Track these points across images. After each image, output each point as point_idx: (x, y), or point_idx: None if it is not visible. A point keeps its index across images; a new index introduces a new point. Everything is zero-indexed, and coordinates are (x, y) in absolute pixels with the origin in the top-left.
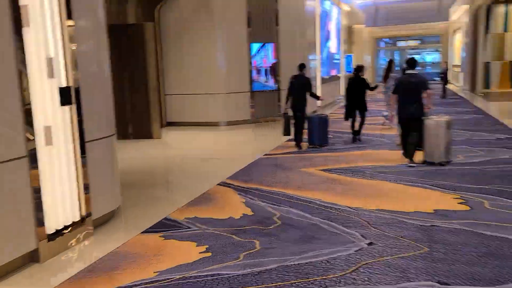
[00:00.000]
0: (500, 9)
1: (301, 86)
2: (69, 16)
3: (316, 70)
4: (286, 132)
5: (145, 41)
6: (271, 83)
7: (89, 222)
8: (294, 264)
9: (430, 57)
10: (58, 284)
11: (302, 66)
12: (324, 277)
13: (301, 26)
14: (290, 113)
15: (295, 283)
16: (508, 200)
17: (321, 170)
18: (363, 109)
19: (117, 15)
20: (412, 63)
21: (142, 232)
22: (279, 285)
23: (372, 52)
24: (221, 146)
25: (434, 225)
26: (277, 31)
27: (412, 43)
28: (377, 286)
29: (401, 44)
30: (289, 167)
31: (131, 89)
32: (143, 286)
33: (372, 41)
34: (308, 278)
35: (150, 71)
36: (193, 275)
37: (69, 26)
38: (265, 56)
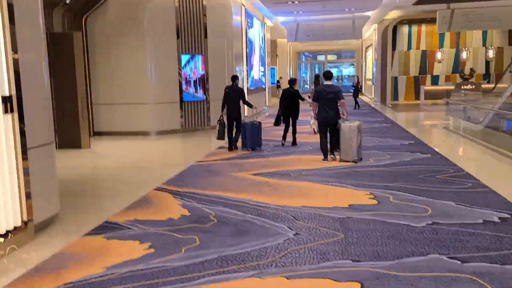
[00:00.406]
0: (405, 29)
1: (235, 95)
2: (11, 25)
3: (243, 81)
4: (220, 137)
5: (73, 50)
6: (200, 93)
7: (31, 227)
8: (231, 254)
9: (346, 70)
10: (6, 284)
11: (234, 78)
12: (258, 262)
13: (229, 39)
14: (226, 119)
15: (233, 268)
16: (408, 194)
17: (252, 174)
18: (295, 118)
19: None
20: (328, 75)
21: (84, 235)
22: (219, 271)
23: (294, 65)
24: (153, 154)
25: (349, 217)
26: (205, 43)
27: (330, 57)
28: (302, 266)
29: (321, 58)
30: (221, 173)
31: (59, 99)
32: (92, 280)
33: (294, 55)
34: (244, 264)
35: (79, 81)
36: (139, 268)
37: (11, 35)
38: (194, 68)
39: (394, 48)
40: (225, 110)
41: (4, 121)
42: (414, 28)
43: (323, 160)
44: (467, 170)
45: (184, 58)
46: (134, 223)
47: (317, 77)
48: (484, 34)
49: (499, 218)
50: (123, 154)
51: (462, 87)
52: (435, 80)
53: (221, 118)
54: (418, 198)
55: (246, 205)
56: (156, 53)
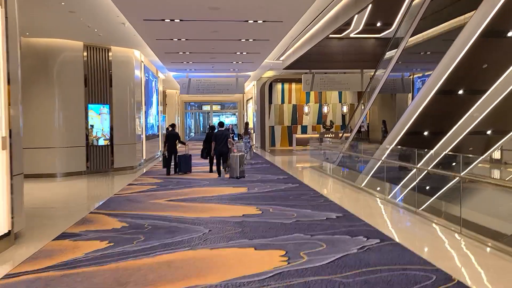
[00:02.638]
0: (279, 86)
1: (173, 137)
2: None
3: (142, 129)
4: (165, 166)
5: None
6: (106, 138)
7: (12, 235)
8: (169, 242)
9: (228, 119)
10: (15, 266)
11: (173, 125)
12: (188, 244)
13: (131, 89)
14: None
15: (172, 248)
16: (281, 207)
17: (166, 200)
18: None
19: None
20: (221, 124)
21: (53, 239)
22: (165, 249)
23: (181, 114)
24: (70, 192)
25: (243, 220)
26: (111, 92)
27: (215, 107)
28: (218, 244)
29: (206, 108)
30: (139, 201)
31: None
32: (78, 259)
33: (182, 104)
34: (180, 245)
35: None
36: (108, 252)
37: None
38: (101, 113)
39: (270, 101)
40: (166, 148)
41: (1, 155)
42: (286, 86)
43: (219, 177)
44: (321, 192)
45: (91, 106)
46: (87, 232)
47: (247, 124)
48: (340, 93)
49: (336, 216)
50: (37, 193)
51: (325, 136)
52: (304, 130)
53: (164, 153)
54: (288, 209)
55: (169, 218)
56: (65, 101)
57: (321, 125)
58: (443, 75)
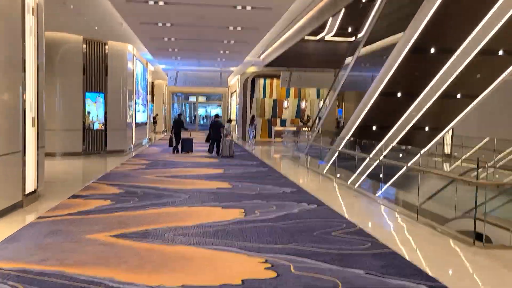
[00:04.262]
0: (261, 81)
1: (179, 123)
2: None
3: (133, 116)
4: (170, 145)
5: None
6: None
7: (37, 193)
8: (157, 202)
9: (214, 111)
10: (50, 208)
11: (179, 115)
12: (171, 204)
13: (124, 79)
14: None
15: (160, 205)
16: (249, 184)
17: (155, 176)
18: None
19: None
20: (217, 115)
21: (68, 198)
22: (155, 207)
23: (168, 104)
24: (71, 167)
25: (216, 191)
26: (106, 81)
27: (201, 98)
28: (193, 204)
29: (192, 99)
30: (132, 176)
31: None
32: (92, 210)
33: (169, 95)
34: (165, 205)
35: None
36: (112, 207)
37: None
38: (97, 101)
39: (252, 96)
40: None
41: (31, 131)
42: (268, 81)
43: (211, 154)
44: (285, 175)
45: (89, 94)
46: (93, 194)
47: (253, 117)
48: (318, 89)
49: (291, 191)
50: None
51: (301, 129)
52: (283, 123)
53: (172, 135)
54: (254, 185)
55: (157, 188)
56: (65, 89)
57: (299, 119)
58: (383, 80)
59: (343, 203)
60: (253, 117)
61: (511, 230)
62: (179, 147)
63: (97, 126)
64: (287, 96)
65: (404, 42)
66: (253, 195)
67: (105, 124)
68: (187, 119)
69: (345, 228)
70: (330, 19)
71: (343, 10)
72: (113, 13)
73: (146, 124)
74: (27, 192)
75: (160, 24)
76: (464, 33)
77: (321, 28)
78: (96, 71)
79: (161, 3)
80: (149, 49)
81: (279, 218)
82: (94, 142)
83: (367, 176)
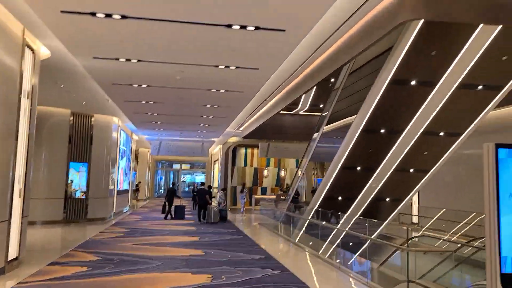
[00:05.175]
0: (242, 150)
1: (172, 192)
2: None
3: (115, 183)
4: (163, 212)
5: None
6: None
7: (19, 260)
8: (132, 269)
9: (199, 178)
10: (31, 274)
11: (173, 183)
12: (144, 270)
13: (108, 148)
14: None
15: (133, 272)
16: (221, 251)
17: (132, 244)
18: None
19: None
20: (203, 183)
21: (46, 265)
22: (126, 273)
23: (152, 171)
24: (51, 235)
25: (189, 258)
26: (90, 150)
27: (184, 166)
28: (165, 270)
29: (176, 166)
30: (110, 243)
31: None
32: (68, 276)
33: (153, 162)
34: (139, 271)
35: None
36: (88, 273)
37: None
38: (80, 171)
39: (234, 164)
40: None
41: (18, 202)
42: (249, 150)
43: (199, 221)
44: (258, 243)
45: (73, 164)
46: (71, 261)
47: (244, 184)
48: (297, 159)
49: (259, 257)
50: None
51: (281, 198)
52: (264, 191)
53: (165, 203)
54: (226, 252)
55: (133, 255)
56: (50, 159)
57: (279, 188)
58: (343, 155)
59: (306, 270)
60: (243, 184)
61: None
62: (172, 213)
63: (78, 195)
64: (267, 165)
65: (357, 123)
66: (222, 262)
67: (86, 192)
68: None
69: None
70: (303, 96)
71: (314, 88)
72: (100, 91)
73: (128, 191)
74: (9, 258)
75: (143, 102)
76: (408, 117)
77: (295, 104)
78: (81, 141)
79: (143, 86)
80: (133, 121)
81: (242, 283)
82: (75, 210)
83: (333, 244)
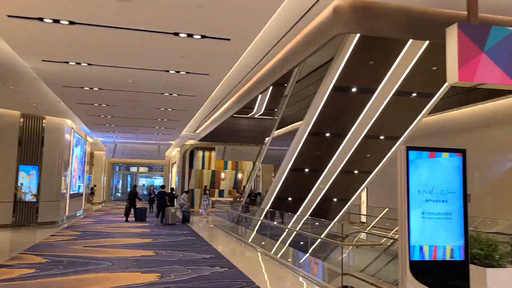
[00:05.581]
0: (200, 153)
1: (133, 194)
2: None
3: (67, 186)
4: (125, 214)
5: None
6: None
7: None
8: (81, 269)
9: (157, 181)
10: None
11: (134, 186)
12: (94, 271)
13: (60, 151)
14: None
15: (82, 273)
16: (173, 251)
17: (82, 246)
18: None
19: None
20: (163, 186)
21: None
22: (74, 274)
23: (108, 174)
24: (0, 239)
25: (140, 258)
26: (41, 153)
27: (142, 169)
28: (115, 271)
29: (133, 169)
30: (60, 246)
31: None
32: (15, 278)
33: (109, 165)
34: (88, 272)
35: None
36: (36, 274)
37: None
38: (31, 174)
39: (191, 167)
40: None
41: None
42: (207, 153)
43: (157, 221)
44: (210, 243)
45: (23, 167)
46: (19, 264)
47: (205, 187)
48: (254, 162)
49: (210, 256)
50: None
51: (238, 199)
52: (221, 193)
53: (127, 205)
54: (178, 252)
55: (83, 257)
56: None
57: (236, 190)
58: (291, 158)
59: (254, 267)
60: (205, 187)
61: (369, 283)
62: (133, 216)
63: (28, 198)
64: (225, 167)
65: (304, 127)
66: (173, 261)
67: (37, 195)
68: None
69: (244, 286)
70: (258, 100)
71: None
72: (52, 93)
73: (82, 195)
74: None
75: (96, 104)
76: (351, 121)
77: (250, 108)
78: (32, 143)
79: (95, 89)
80: (87, 124)
81: (190, 280)
82: (25, 213)
83: (284, 243)
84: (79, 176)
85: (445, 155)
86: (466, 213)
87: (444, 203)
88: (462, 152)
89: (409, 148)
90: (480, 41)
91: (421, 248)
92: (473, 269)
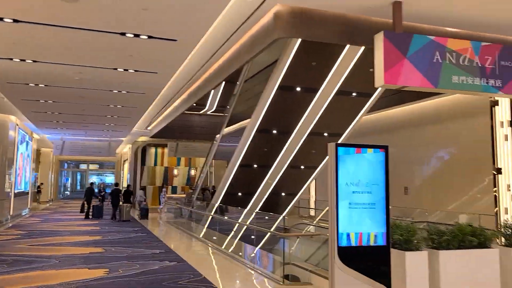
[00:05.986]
0: (152, 150)
1: (89, 191)
2: None
3: (12, 184)
4: (82, 211)
5: None
6: None
7: None
8: (26, 267)
9: (109, 178)
10: None
11: (91, 183)
12: (39, 268)
13: (4, 148)
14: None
15: (27, 271)
16: (122, 248)
17: (28, 245)
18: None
19: None
20: (117, 184)
21: None
22: (19, 272)
23: (56, 172)
24: None
25: (88, 256)
26: None
27: (92, 166)
28: (62, 268)
29: (83, 167)
30: (4, 246)
31: None
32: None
33: (57, 163)
34: (33, 270)
35: None
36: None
37: None
38: None
39: (143, 164)
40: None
41: None
42: (159, 150)
43: (113, 219)
44: (161, 238)
45: None
46: None
47: (162, 184)
48: None
49: (159, 251)
50: None
51: (191, 196)
52: (174, 190)
53: (83, 202)
54: (128, 249)
55: (28, 255)
56: None
57: (189, 187)
58: (240, 154)
59: (202, 260)
60: (163, 184)
61: (308, 270)
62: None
63: None
64: (178, 164)
65: (252, 124)
66: (122, 257)
67: None
68: (78, 187)
69: (192, 278)
70: (210, 97)
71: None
72: None
73: (27, 193)
74: None
75: (42, 101)
76: (296, 119)
77: (202, 105)
78: None
79: (41, 85)
80: (32, 120)
81: (138, 274)
82: None
83: (235, 238)
84: (25, 174)
85: (370, 151)
86: (388, 203)
87: (369, 194)
88: (385, 148)
89: (338, 145)
90: (404, 48)
91: (348, 235)
92: (394, 253)
